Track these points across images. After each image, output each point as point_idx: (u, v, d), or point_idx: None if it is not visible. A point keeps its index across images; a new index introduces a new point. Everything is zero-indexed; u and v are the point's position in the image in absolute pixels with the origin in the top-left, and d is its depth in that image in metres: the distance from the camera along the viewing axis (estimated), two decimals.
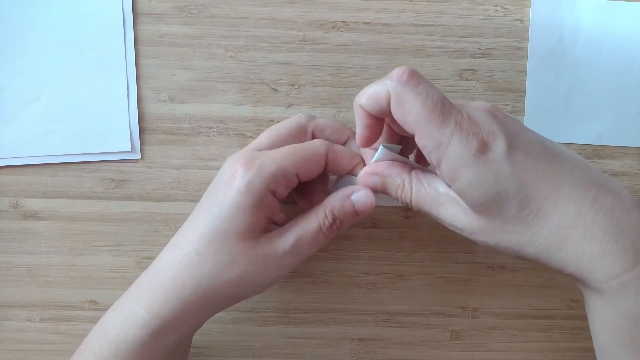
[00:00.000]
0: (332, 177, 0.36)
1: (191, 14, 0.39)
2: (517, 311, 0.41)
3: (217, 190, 0.32)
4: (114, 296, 0.34)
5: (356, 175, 0.34)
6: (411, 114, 0.29)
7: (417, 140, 0.29)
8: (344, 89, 0.40)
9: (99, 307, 0.40)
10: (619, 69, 0.40)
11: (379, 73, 0.39)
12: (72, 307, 0.40)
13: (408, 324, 0.41)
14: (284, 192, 0.33)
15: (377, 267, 0.41)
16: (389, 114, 0.30)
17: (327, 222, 0.33)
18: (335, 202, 0.33)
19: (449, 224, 0.32)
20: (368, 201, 0.33)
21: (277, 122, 0.37)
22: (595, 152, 0.41)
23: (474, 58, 0.40)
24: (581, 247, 0.28)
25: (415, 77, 0.29)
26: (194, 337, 0.36)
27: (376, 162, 0.33)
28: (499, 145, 0.28)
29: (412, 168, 0.33)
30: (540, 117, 0.40)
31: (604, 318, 0.30)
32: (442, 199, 0.31)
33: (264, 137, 0.35)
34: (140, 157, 0.39)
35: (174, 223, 0.40)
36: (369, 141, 0.32)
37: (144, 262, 0.40)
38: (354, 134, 0.34)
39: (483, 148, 0.28)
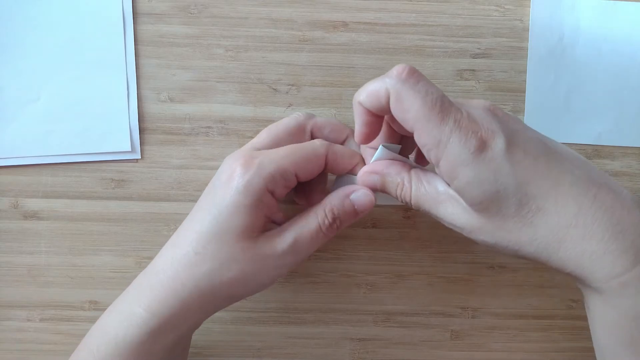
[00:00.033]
0: (331, 177, 0.36)
1: (191, 14, 0.39)
2: (517, 311, 0.41)
3: (215, 189, 0.32)
4: (113, 296, 0.34)
5: (356, 175, 0.34)
6: (410, 111, 0.29)
7: (416, 138, 0.29)
8: (344, 89, 0.40)
9: (99, 307, 0.40)
10: (619, 69, 0.40)
11: (379, 73, 0.39)
12: (72, 307, 0.40)
13: (408, 324, 0.41)
14: (283, 192, 0.33)
15: (377, 267, 0.41)
16: (388, 112, 0.30)
17: (326, 222, 0.33)
18: (334, 202, 0.33)
19: (449, 223, 0.31)
20: (367, 200, 0.33)
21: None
22: (595, 152, 0.41)
23: (474, 58, 0.40)
24: (581, 246, 0.28)
25: (414, 75, 0.29)
26: (194, 337, 0.36)
27: (376, 162, 0.33)
28: (498, 144, 0.28)
29: (411, 167, 0.33)
30: (540, 117, 0.40)
31: (604, 318, 0.30)
32: (442, 197, 0.31)
33: (263, 136, 0.35)
34: (140, 157, 0.39)
35: (174, 223, 0.40)
36: (368, 138, 0.32)
37: (144, 262, 0.40)
38: (352, 132, 0.34)
39: (482, 146, 0.28)
